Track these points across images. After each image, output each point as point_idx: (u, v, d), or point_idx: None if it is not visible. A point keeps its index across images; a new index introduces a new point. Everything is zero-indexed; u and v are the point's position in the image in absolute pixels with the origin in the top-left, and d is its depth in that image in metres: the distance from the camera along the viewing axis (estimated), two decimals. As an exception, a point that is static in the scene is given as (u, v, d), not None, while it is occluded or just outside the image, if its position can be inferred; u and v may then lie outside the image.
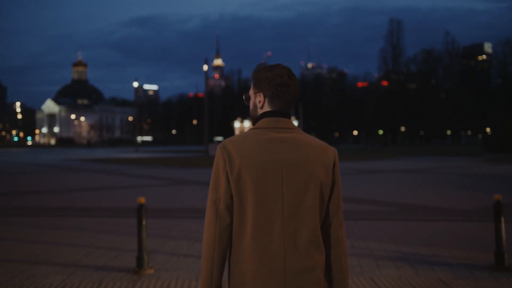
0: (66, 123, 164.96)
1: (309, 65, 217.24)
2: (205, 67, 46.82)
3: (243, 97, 2.13)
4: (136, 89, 66.61)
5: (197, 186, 15.82)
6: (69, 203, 11.80)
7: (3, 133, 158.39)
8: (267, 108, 2.00)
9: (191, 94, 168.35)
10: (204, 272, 1.93)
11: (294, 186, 1.88)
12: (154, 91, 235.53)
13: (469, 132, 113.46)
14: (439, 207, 10.72)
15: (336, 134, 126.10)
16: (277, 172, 1.88)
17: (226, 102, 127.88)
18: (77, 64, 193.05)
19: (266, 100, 2.00)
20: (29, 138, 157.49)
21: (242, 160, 1.88)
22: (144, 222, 5.61)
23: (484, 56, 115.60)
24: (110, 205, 11.38)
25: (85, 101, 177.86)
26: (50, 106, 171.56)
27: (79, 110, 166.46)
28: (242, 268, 1.87)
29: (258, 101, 2.02)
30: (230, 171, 1.88)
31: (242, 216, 1.88)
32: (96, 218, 9.57)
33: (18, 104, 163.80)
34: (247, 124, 62.40)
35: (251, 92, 2.07)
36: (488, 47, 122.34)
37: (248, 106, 2.10)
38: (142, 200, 5.67)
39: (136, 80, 63.16)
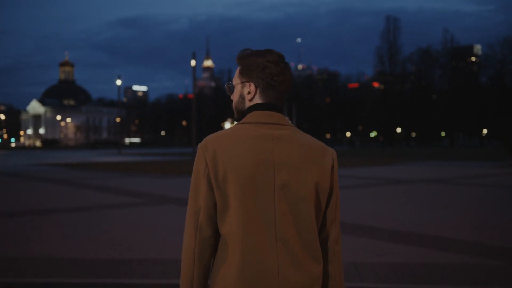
0: (52, 124, 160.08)
1: (300, 66, 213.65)
2: (193, 62, 42.91)
3: (226, 87, 1.84)
4: (125, 90, 62.68)
5: (175, 207, 11.47)
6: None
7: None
8: (258, 100, 1.74)
9: (180, 95, 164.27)
10: None
11: (288, 192, 1.64)
12: (143, 92, 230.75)
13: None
14: None
15: (328, 136, 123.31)
16: (269, 175, 1.64)
17: (217, 103, 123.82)
18: (64, 64, 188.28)
19: (258, 91, 1.73)
20: (12, 139, 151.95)
21: (229, 161, 1.63)
22: None
23: (474, 58, 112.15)
24: (20, 254, 7.00)
25: (72, 102, 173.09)
26: (35, 107, 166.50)
27: (65, 111, 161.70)
28: (228, 287, 1.61)
29: (247, 92, 1.75)
30: (214, 175, 1.63)
31: (228, 227, 1.63)
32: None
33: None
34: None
35: (236, 81, 1.78)
36: (477, 49, 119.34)
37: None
38: None
39: (119, 78, 58.59)
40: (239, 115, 1.79)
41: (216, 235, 1.68)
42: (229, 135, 1.68)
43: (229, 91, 1.84)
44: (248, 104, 1.76)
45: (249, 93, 1.74)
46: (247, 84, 1.74)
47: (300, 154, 1.68)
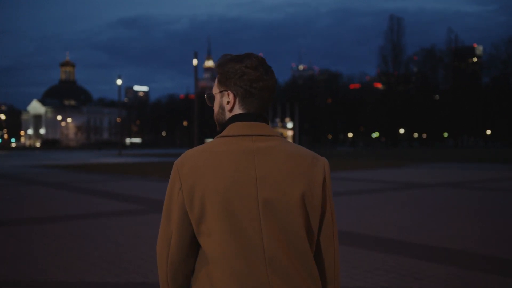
0: (52, 124, 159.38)
1: (301, 66, 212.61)
2: (195, 62, 42.13)
3: (205, 97, 1.68)
4: (127, 91, 61.77)
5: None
6: None
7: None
8: (238, 110, 1.59)
9: (181, 95, 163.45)
10: None
11: (273, 208, 1.48)
12: (145, 92, 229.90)
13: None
14: None
15: (329, 136, 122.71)
16: (251, 192, 1.48)
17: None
18: (65, 64, 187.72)
19: (237, 100, 1.59)
20: (13, 140, 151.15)
21: (206, 180, 1.48)
22: None
23: (475, 59, 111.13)
24: None
25: (72, 102, 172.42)
26: (36, 107, 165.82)
27: (66, 111, 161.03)
28: None
29: (225, 102, 1.60)
30: (189, 197, 1.49)
31: (209, 253, 1.48)
32: None
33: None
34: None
35: (215, 90, 1.65)
36: (479, 50, 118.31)
37: (211, 108, 1.68)
38: None
39: (119, 78, 57.72)
40: (220, 127, 1.63)
41: (190, 258, 1.55)
42: (208, 150, 1.53)
43: (209, 101, 1.67)
44: (228, 115, 1.61)
45: (228, 102, 1.60)
46: (226, 93, 1.60)
47: (287, 166, 1.52)
